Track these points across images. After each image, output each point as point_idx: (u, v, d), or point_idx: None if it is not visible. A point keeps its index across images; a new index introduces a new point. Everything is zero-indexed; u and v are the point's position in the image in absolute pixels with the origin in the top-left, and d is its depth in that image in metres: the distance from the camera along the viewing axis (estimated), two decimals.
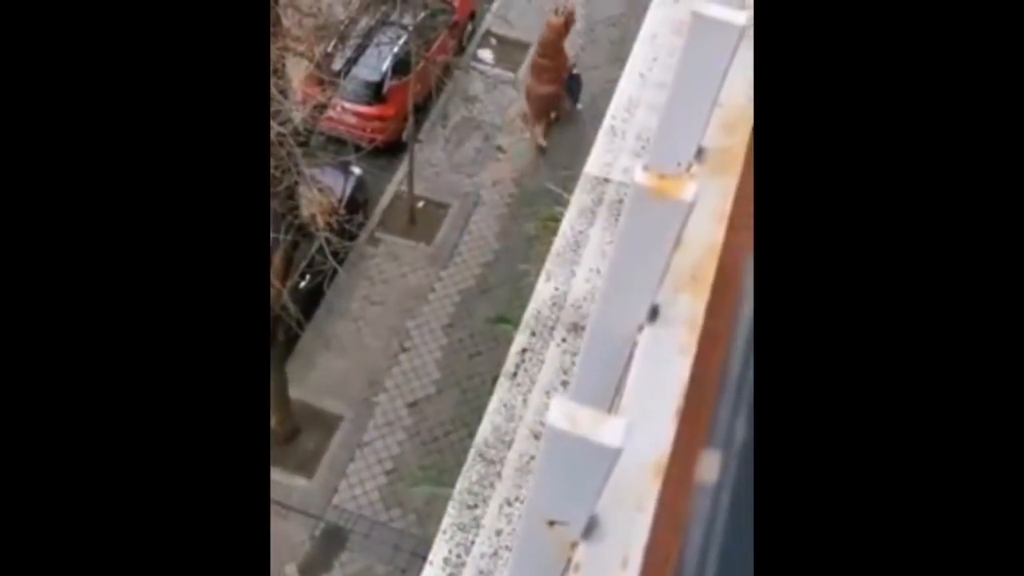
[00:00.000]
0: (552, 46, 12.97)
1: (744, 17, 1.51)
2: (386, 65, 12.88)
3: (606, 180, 3.60)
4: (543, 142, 13.71)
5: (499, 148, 14.09)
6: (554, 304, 3.14)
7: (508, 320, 9.63)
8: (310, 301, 11.62)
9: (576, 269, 3.28)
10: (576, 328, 2.96)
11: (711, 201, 1.62)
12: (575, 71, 13.76)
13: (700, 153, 1.77)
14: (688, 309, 1.63)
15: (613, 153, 3.69)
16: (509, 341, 3.10)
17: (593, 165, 3.66)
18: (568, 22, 13.10)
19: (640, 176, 1.32)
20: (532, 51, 13.69)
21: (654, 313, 1.64)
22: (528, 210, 13.21)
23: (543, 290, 3.15)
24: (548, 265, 3.36)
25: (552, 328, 3.06)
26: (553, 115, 13.70)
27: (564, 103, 13.70)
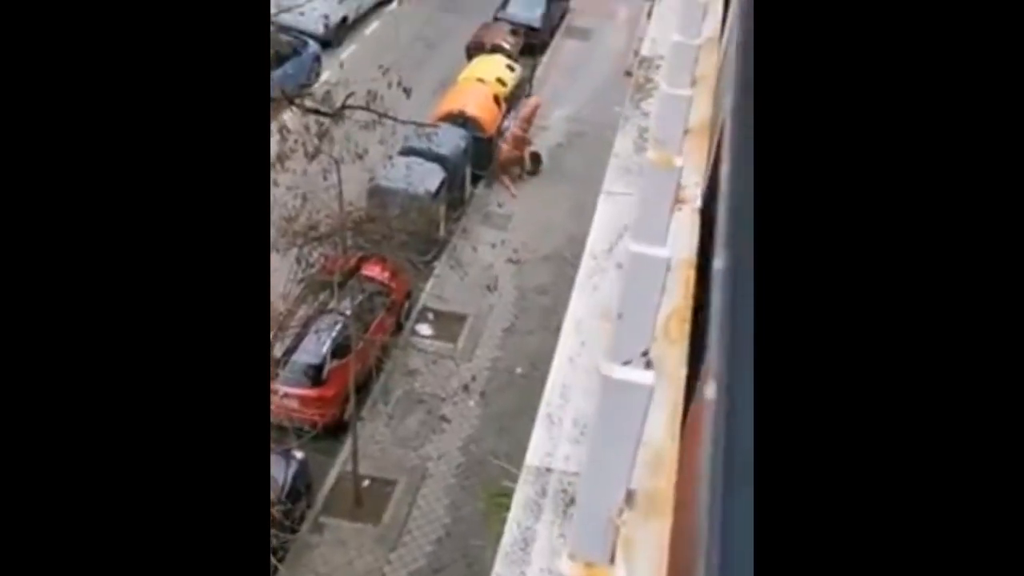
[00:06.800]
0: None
1: (651, 377, 1.56)
2: (325, 348, 13.04)
3: (548, 470, 3.55)
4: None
5: (443, 418, 14.04)
6: None
7: None
8: None
9: (527, 571, 3.14)
10: None
11: (646, 552, 1.57)
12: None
13: (630, 497, 1.75)
14: None
15: (553, 441, 3.67)
16: None
17: (534, 455, 3.62)
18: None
19: (566, 567, 1.27)
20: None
21: None
22: (477, 480, 12.94)
23: None
24: (498, 567, 3.22)
25: None
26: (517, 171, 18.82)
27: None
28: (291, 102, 11.56)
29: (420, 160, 16.31)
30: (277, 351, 12.29)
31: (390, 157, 14.46)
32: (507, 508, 3.34)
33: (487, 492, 11.35)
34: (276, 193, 9.44)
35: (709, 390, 1.24)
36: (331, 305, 12.22)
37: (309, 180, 11.42)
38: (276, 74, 15.00)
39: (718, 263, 1.41)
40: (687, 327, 2.60)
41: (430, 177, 16.34)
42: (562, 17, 24.50)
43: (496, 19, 22.94)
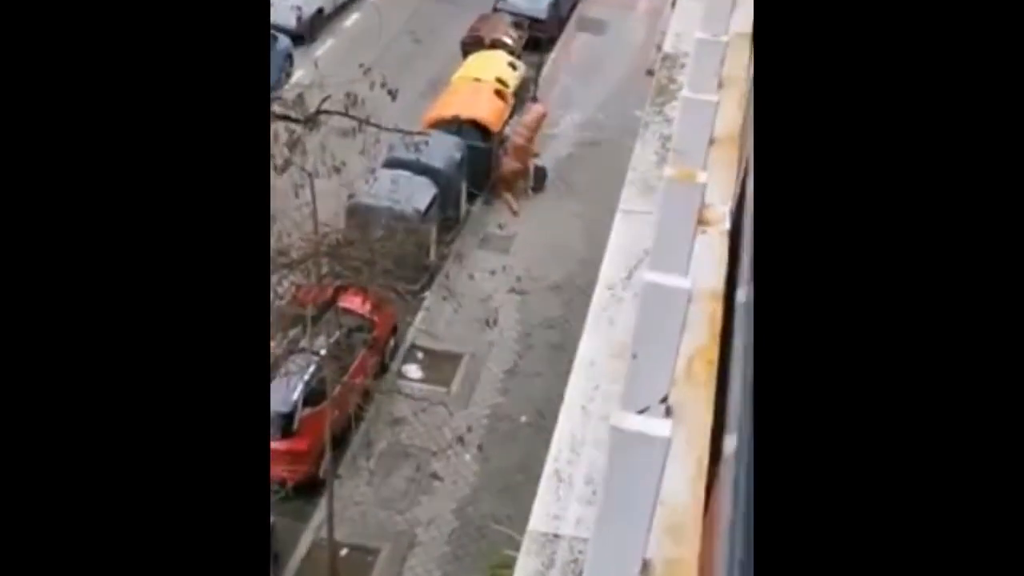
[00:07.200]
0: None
1: (669, 427, 1.58)
2: (297, 394, 13.06)
3: (556, 536, 3.56)
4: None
5: (434, 476, 14.02)
6: None
7: None
8: None
9: None
10: None
11: None
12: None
13: (646, 567, 1.76)
14: None
15: (561, 502, 3.67)
16: None
17: (539, 519, 3.62)
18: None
19: None
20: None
21: None
22: (474, 548, 12.90)
23: None
24: None
25: None
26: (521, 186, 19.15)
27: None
28: None
29: (407, 173, 16.44)
30: None
31: (372, 170, 14.57)
32: None
33: (486, 563, 11.30)
34: None
35: (729, 443, 1.27)
36: (303, 343, 12.24)
37: (278, 197, 11.50)
38: None
39: (741, 295, 1.44)
40: (714, 369, 2.63)
41: (419, 193, 16.46)
42: (572, 7, 24.78)
43: (496, 9, 23.21)
